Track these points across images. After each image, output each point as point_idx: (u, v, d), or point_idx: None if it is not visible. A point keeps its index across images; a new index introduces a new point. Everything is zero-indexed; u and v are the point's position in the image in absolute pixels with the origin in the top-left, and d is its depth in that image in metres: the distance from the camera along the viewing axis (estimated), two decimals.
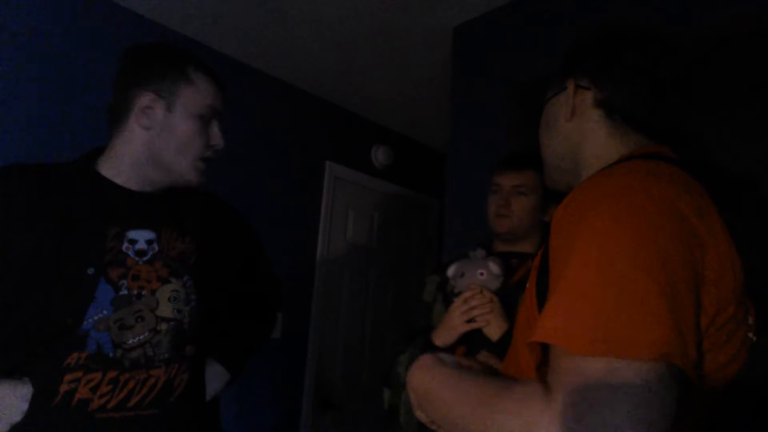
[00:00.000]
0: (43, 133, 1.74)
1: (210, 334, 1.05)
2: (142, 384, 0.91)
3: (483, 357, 0.82)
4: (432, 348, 1.19)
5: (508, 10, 1.84)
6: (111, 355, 0.89)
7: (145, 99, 0.95)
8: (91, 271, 0.89)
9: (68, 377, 0.86)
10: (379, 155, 2.92)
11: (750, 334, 0.55)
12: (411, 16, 1.95)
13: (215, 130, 1.02)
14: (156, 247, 0.98)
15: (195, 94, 0.97)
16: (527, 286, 0.69)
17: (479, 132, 1.84)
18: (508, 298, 1.17)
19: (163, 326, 0.95)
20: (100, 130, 1.69)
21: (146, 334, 0.93)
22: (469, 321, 1.15)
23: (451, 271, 1.24)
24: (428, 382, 0.65)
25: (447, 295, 1.27)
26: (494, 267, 1.18)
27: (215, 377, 1.08)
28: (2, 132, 1.66)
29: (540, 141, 0.82)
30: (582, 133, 0.74)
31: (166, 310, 0.95)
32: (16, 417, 0.84)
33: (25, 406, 0.84)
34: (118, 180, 0.98)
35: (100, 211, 0.94)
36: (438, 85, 2.39)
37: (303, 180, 2.58)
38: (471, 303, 1.14)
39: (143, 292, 0.94)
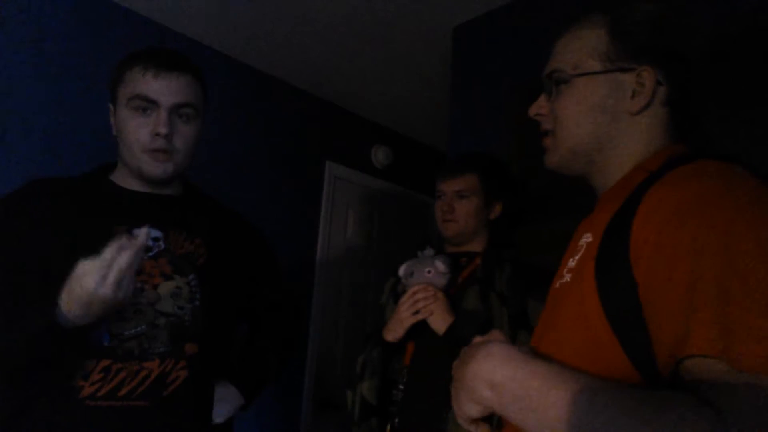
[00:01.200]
0: (41, 133, 1.74)
1: (217, 337, 1.05)
2: (134, 375, 0.92)
3: (494, 336, 0.79)
4: (383, 344, 1.27)
5: (508, 10, 1.84)
6: (106, 343, 0.91)
7: (110, 110, 1.03)
8: None
9: (67, 364, 0.88)
10: (379, 155, 2.92)
11: None
12: (411, 16, 1.95)
13: (159, 118, 0.97)
14: (162, 244, 1.00)
15: (124, 89, 0.99)
16: (569, 279, 0.64)
17: (479, 132, 1.84)
18: (454, 295, 1.26)
19: (162, 321, 0.96)
20: (100, 131, 1.69)
21: (143, 327, 0.94)
22: (416, 314, 1.22)
23: (401, 271, 1.32)
24: (524, 379, 0.54)
25: (398, 295, 1.34)
26: (440, 265, 1.26)
27: (228, 398, 1.08)
28: (1, 132, 1.66)
29: (558, 115, 0.70)
30: (635, 125, 0.66)
31: (166, 305, 0.97)
32: (90, 285, 0.78)
33: (97, 276, 0.78)
34: (126, 185, 1.04)
35: (108, 211, 0.99)
36: (438, 85, 2.39)
37: (303, 180, 2.58)
38: (416, 297, 1.23)
39: (145, 287, 0.96)
